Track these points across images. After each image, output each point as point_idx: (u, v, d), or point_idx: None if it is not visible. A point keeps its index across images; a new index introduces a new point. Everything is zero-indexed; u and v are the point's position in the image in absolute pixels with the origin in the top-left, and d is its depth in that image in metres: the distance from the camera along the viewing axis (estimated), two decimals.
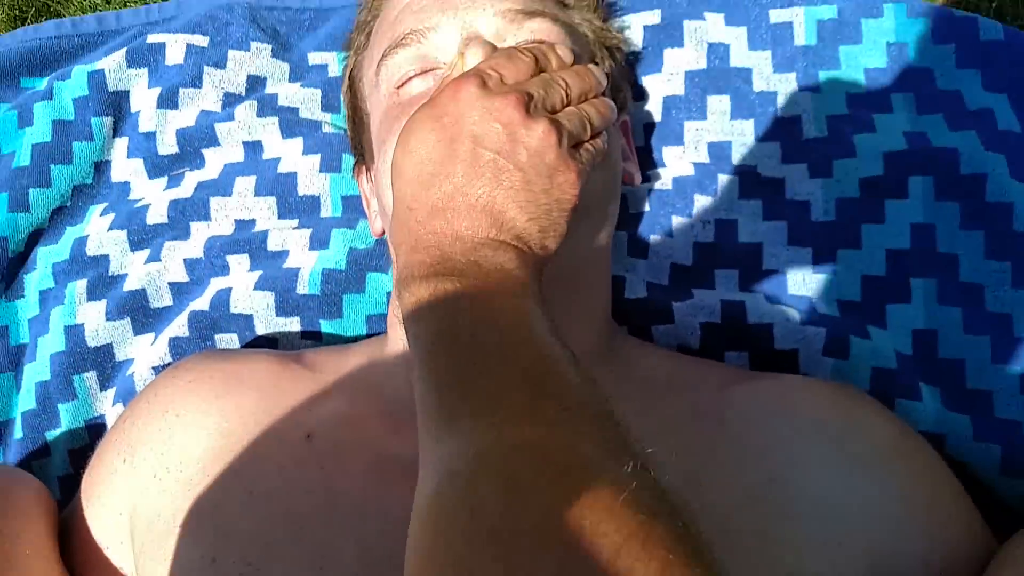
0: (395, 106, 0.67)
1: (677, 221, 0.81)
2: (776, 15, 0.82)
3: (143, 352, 0.82)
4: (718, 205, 0.81)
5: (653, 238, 0.81)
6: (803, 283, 0.77)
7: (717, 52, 0.81)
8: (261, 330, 0.81)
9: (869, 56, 0.80)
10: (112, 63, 0.88)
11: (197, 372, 0.69)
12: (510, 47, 0.59)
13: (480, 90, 0.52)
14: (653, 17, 0.83)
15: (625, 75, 0.80)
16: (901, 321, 0.75)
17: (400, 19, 0.69)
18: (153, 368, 0.80)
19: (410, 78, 0.67)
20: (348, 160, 0.85)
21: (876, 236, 0.77)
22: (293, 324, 0.81)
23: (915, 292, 0.75)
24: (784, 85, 0.81)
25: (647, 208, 0.81)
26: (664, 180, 0.82)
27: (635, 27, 0.84)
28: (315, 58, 0.92)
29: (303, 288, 0.80)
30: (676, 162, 0.82)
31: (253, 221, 0.85)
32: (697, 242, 0.80)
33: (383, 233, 0.76)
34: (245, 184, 0.85)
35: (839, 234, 0.77)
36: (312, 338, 0.81)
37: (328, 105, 0.89)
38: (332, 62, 0.91)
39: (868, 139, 0.78)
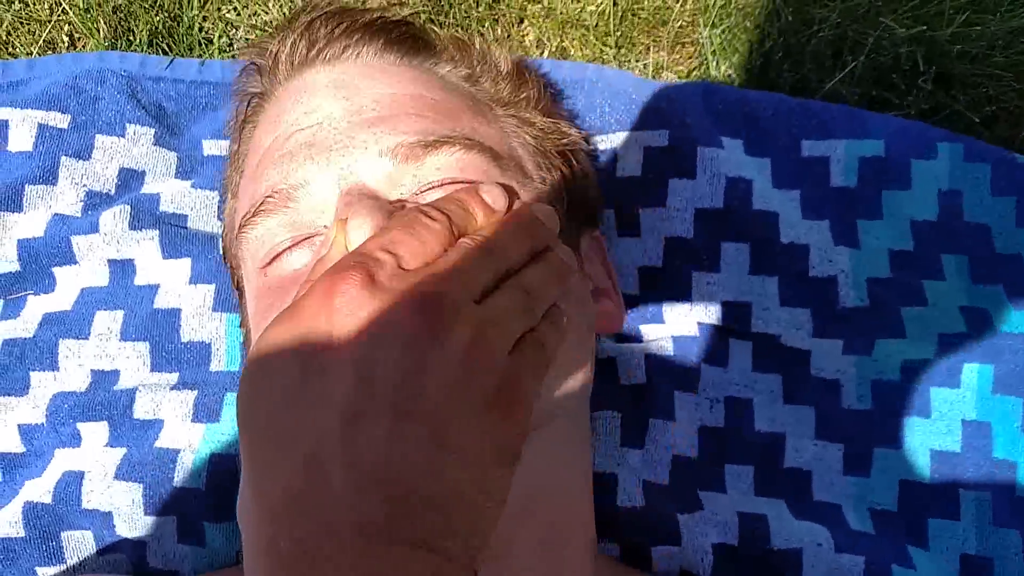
0: (265, 291, 0.49)
1: (680, 397, 0.64)
2: (809, 147, 0.66)
3: None
4: (729, 379, 0.64)
5: (650, 420, 0.63)
6: (831, 487, 0.63)
7: (736, 189, 0.64)
8: (124, 530, 0.59)
9: (917, 205, 0.65)
10: None
11: None
12: (411, 209, 0.41)
13: (365, 289, 0.34)
14: (657, 139, 0.65)
15: (589, 176, 0.61)
16: (947, 542, 0.61)
17: (261, 170, 0.50)
18: None
19: (280, 253, 0.48)
20: None
21: (920, 433, 0.63)
22: (168, 524, 0.60)
23: (965, 507, 0.61)
24: (816, 236, 0.64)
25: (643, 378, 0.63)
26: (662, 341, 0.64)
27: (632, 149, 0.66)
28: (211, 147, 0.70)
29: (182, 478, 0.59)
30: (679, 320, 0.65)
31: (116, 373, 0.63)
32: (704, 426, 0.63)
33: None
34: (108, 322, 0.63)
35: (875, 428, 0.64)
36: (194, 540, 0.60)
37: None
38: None
39: (918, 315, 0.63)
